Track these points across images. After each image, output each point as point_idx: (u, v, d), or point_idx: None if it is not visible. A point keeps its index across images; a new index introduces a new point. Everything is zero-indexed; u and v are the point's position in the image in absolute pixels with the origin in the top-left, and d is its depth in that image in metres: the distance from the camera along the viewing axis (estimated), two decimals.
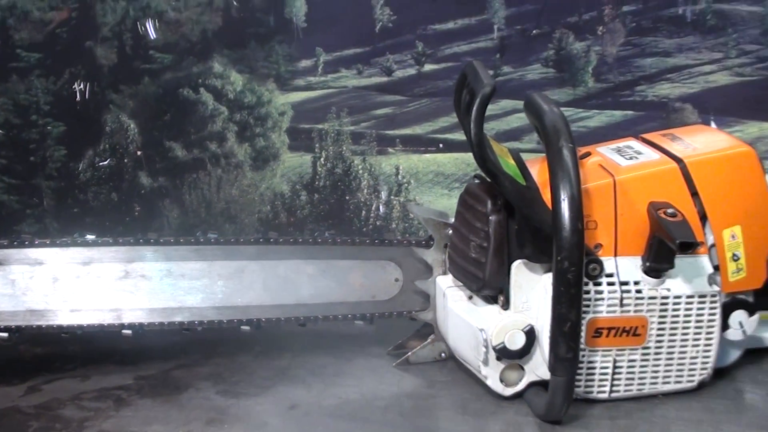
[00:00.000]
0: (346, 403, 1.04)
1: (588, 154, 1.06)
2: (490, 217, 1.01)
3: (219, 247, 1.10)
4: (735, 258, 1.04)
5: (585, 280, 0.96)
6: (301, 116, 1.58)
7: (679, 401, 1.04)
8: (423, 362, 1.14)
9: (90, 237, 1.08)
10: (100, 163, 1.61)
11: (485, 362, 1.02)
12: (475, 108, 0.93)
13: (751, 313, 1.06)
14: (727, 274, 1.04)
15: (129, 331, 1.08)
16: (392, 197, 1.59)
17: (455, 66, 1.51)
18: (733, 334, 1.06)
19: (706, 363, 1.04)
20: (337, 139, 1.58)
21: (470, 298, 1.09)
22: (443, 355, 1.15)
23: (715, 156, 1.06)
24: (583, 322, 0.98)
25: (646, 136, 1.14)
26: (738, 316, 1.06)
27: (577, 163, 0.94)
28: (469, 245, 1.04)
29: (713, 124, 1.45)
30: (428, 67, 1.55)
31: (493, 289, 1.03)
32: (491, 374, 1.02)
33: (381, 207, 1.59)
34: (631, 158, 1.06)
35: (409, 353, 1.14)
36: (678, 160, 1.05)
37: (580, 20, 1.49)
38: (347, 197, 1.59)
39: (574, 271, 0.92)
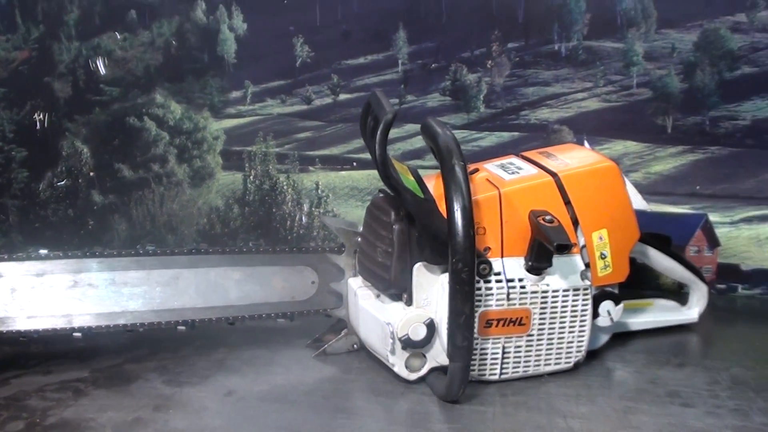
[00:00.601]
0: (275, 388, 1.09)
1: (476, 170, 1.14)
2: (394, 226, 1.07)
3: (156, 258, 1.14)
4: (603, 257, 1.12)
5: (477, 278, 1.02)
6: (233, 140, 1.64)
7: (560, 379, 1.11)
8: (338, 353, 1.20)
9: (42, 251, 1.12)
10: (58, 183, 1.67)
11: (392, 352, 1.07)
12: (379, 132, 0.98)
13: (617, 303, 1.14)
14: (597, 271, 1.12)
15: (79, 334, 1.13)
16: (313, 209, 1.63)
17: (366, 95, 1.49)
18: (603, 321, 1.14)
19: (581, 346, 1.12)
20: (264, 160, 1.62)
21: (378, 296, 1.14)
22: (355, 346, 1.20)
23: (584, 170, 1.14)
24: (476, 314, 1.03)
25: (526, 153, 1.21)
26: (606, 305, 1.14)
27: (468, 179, 1.00)
28: (376, 251, 1.10)
29: (586, 143, 1.48)
30: (343, 96, 1.61)
31: (397, 288, 1.08)
32: (398, 362, 1.08)
33: (303, 218, 1.63)
34: (513, 173, 1.13)
35: (326, 345, 1.20)
36: (553, 174, 1.12)
37: (471, 55, 1.54)
38: (274, 210, 1.63)
39: (467, 271, 0.97)
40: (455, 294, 0.98)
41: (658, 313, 1.32)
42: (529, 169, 1.14)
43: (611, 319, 1.14)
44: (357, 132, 1.55)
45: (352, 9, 1.56)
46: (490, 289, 1.05)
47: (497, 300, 1.05)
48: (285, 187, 1.63)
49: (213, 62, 1.61)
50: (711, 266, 1.53)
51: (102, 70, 1.63)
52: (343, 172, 1.62)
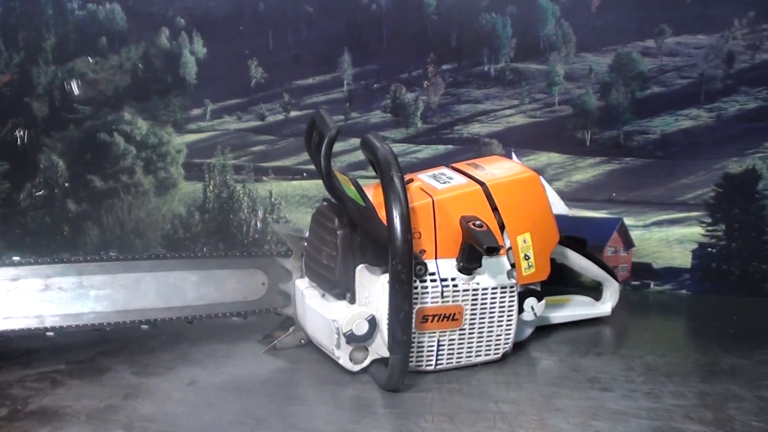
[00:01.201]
0: (234, 378, 1.12)
1: (411, 180, 1.17)
2: (338, 232, 1.10)
3: (120, 263, 1.16)
4: (527, 258, 1.17)
5: (414, 278, 1.05)
6: (194, 153, 1.67)
7: (491, 369, 1.16)
8: (287, 348, 1.22)
9: (16, 258, 1.15)
10: (36, 194, 1.70)
11: (338, 346, 1.11)
12: (324, 146, 1.01)
13: (539, 299, 1.19)
14: (521, 270, 1.17)
15: (51, 333, 1.14)
16: (267, 215, 1.66)
17: (314, 112, 1.59)
18: (527, 315, 1.19)
19: (508, 339, 1.17)
20: (222, 171, 1.66)
21: (323, 296, 1.17)
22: (303, 341, 1.23)
23: (510, 179, 1.19)
24: (414, 311, 1.07)
25: (455, 164, 1.26)
26: (530, 301, 1.19)
27: (405, 188, 1.03)
28: (322, 254, 1.13)
29: (514, 155, 1.55)
30: (293, 113, 1.64)
31: (341, 288, 1.11)
32: (342, 355, 1.11)
33: (258, 223, 1.66)
34: (444, 182, 1.17)
35: (276, 341, 1.22)
36: (481, 183, 1.17)
37: (410, 76, 1.59)
38: (231, 216, 1.67)
39: (406, 272, 1.01)
40: (395, 293, 1.01)
41: (576, 308, 1.39)
42: (459, 179, 1.18)
43: (535, 313, 1.19)
44: None
45: (301, 35, 1.60)
46: (426, 288, 1.09)
47: (432, 298, 1.09)
48: (241, 196, 1.66)
49: (176, 83, 1.64)
50: (626, 265, 1.60)
51: (76, 91, 1.66)
52: (294, 182, 1.65)
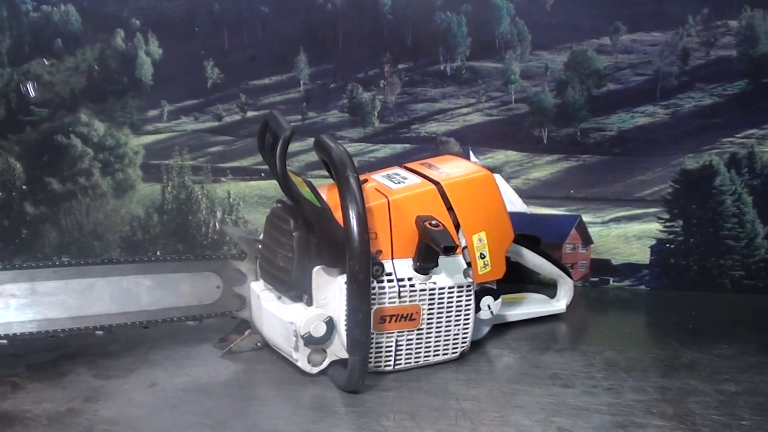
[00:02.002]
0: (194, 379, 1.12)
1: (366, 181, 1.17)
2: (294, 234, 1.09)
3: (73, 268, 1.14)
4: (482, 256, 1.18)
5: (371, 279, 1.04)
6: (151, 154, 1.67)
7: (451, 367, 1.16)
8: (243, 351, 1.21)
9: None
10: None
11: (296, 348, 1.10)
12: (279, 148, 1.01)
13: (495, 298, 1.21)
14: (477, 269, 1.17)
15: (5, 341, 1.12)
16: (226, 216, 1.66)
17: None
18: (484, 314, 1.20)
19: (465, 337, 1.17)
20: (180, 172, 1.66)
21: (279, 298, 1.15)
22: (259, 344, 1.22)
23: (464, 179, 1.19)
24: (372, 311, 1.06)
25: (408, 164, 1.25)
26: (486, 300, 1.20)
27: (361, 189, 1.03)
28: (277, 256, 1.12)
29: (471, 153, 1.59)
30: (250, 113, 1.64)
31: (298, 290, 1.11)
32: (301, 357, 1.11)
33: (217, 224, 1.66)
34: (399, 182, 1.17)
35: (232, 345, 1.21)
36: (436, 183, 1.16)
37: (366, 76, 1.60)
38: (190, 217, 1.67)
39: (363, 272, 1.01)
40: (353, 294, 1.01)
41: (531, 306, 1.39)
42: (413, 179, 1.18)
43: (491, 312, 1.20)
44: None
45: (257, 35, 1.61)
46: (383, 288, 1.09)
47: (390, 298, 1.09)
48: (200, 197, 1.66)
49: (132, 84, 1.64)
50: (585, 261, 1.62)
51: (32, 93, 1.65)
52: (253, 182, 1.65)
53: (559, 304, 1.41)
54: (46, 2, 1.63)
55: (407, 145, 1.63)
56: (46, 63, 1.65)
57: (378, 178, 1.20)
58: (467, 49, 1.58)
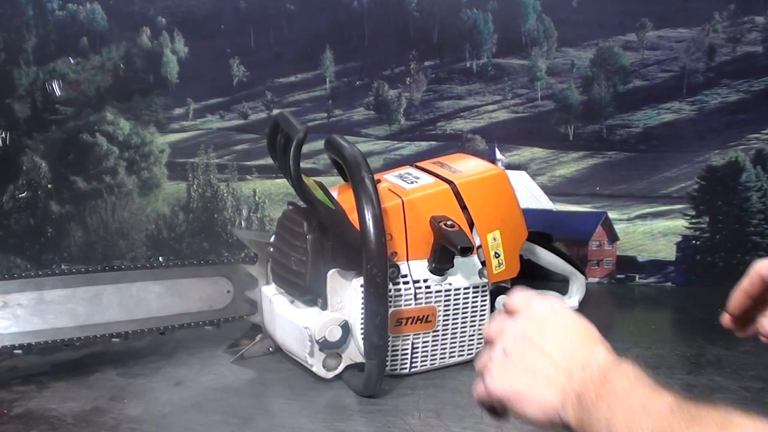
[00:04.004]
0: (220, 378, 1.13)
1: (378, 181, 1.13)
2: (308, 236, 1.07)
3: (80, 276, 1.12)
4: (497, 255, 1.16)
5: (387, 281, 1.03)
6: (177, 153, 1.67)
7: (467, 369, 1.14)
8: (255, 356, 1.20)
9: None
10: (19, 195, 1.69)
11: (311, 353, 1.09)
12: (292, 149, 0.99)
13: None
14: (492, 269, 1.15)
15: (20, 351, 1.10)
16: (251, 214, 1.66)
17: (297, 110, 1.62)
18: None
19: (481, 338, 1.14)
20: (206, 170, 1.66)
21: (292, 302, 1.14)
22: (271, 349, 1.21)
23: (478, 177, 1.18)
24: (389, 314, 1.05)
25: (420, 164, 1.24)
26: (501, 299, 1.17)
27: (377, 189, 1.02)
28: (290, 260, 1.10)
29: (497, 150, 1.59)
30: (276, 111, 1.62)
31: (312, 294, 1.09)
32: (316, 363, 1.09)
33: (243, 222, 1.66)
34: (412, 183, 1.16)
35: (243, 350, 1.20)
36: (450, 182, 1.15)
37: (392, 73, 1.59)
38: (215, 215, 1.67)
39: (381, 275, 1.00)
40: (371, 297, 1.00)
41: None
42: (426, 179, 1.17)
43: None
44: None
45: (283, 33, 1.61)
46: (399, 290, 1.08)
47: (406, 300, 1.08)
48: (225, 195, 1.67)
49: (158, 82, 1.64)
50: (611, 258, 1.61)
51: (57, 91, 1.66)
52: (278, 180, 1.65)
53: (572, 300, 1.39)
54: (71, 1, 1.63)
55: (433, 143, 1.63)
56: (72, 61, 1.65)
57: (390, 178, 1.19)
58: (493, 46, 1.58)
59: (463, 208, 1.15)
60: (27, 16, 1.63)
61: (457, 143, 1.62)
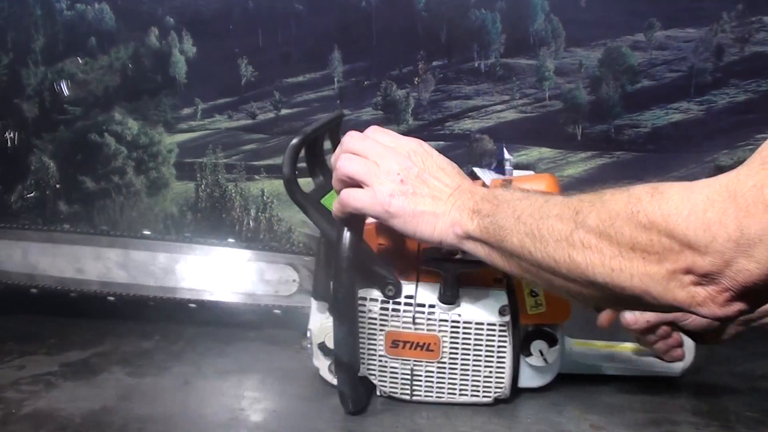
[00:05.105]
0: (229, 377, 1.11)
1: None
2: (321, 239, 1.04)
3: (160, 243, 1.23)
4: (533, 294, 1.01)
5: (383, 298, 0.99)
6: (185, 152, 1.67)
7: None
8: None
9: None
10: (28, 195, 1.69)
11: (315, 356, 1.06)
12: (286, 152, 0.99)
13: (551, 344, 1.02)
14: (526, 308, 1.02)
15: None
16: (259, 214, 1.66)
17: (306, 110, 1.63)
18: (535, 360, 1.03)
19: (501, 382, 1.02)
20: (214, 170, 1.67)
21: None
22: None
23: None
24: (382, 333, 1.00)
25: (492, 180, 1.13)
26: (538, 345, 1.03)
27: None
28: (315, 261, 1.10)
29: (505, 151, 1.58)
30: (284, 111, 1.64)
31: (321, 297, 1.06)
32: (321, 366, 1.07)
33: (251, 222, 1.66)
34: None
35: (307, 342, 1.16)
36: None
37: (400, 73, 1.59)
38: (223, 215, 1.67)
39: (343, 291, 0.93)
40: (333, 311, 0.96)
41: (636, 361, 1.15)
42: None
43: (545, 359, 1.04)
44: None
45: (291, 33, 1.60)
46: (397, 310, 1.00)
47: (404, 322, 1.01)
48: (233, 195, 1.67)
49: (166, 82, 1.64)
50: None
51: (66, 91, 1.66)
52: None
53: (674, 365, 1.13)
54: (80, 1, 1.63)
55: (441, 143, 1.62)
56: (80, 61, 1.66)
57: None
58: (501, 46, 1.59)
59: None
60: (35, 16, 1.64)
61: (465, 143, 1.62)
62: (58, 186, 1.70)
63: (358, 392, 1.00)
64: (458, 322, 1.01)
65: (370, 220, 0.96)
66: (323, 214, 1.00)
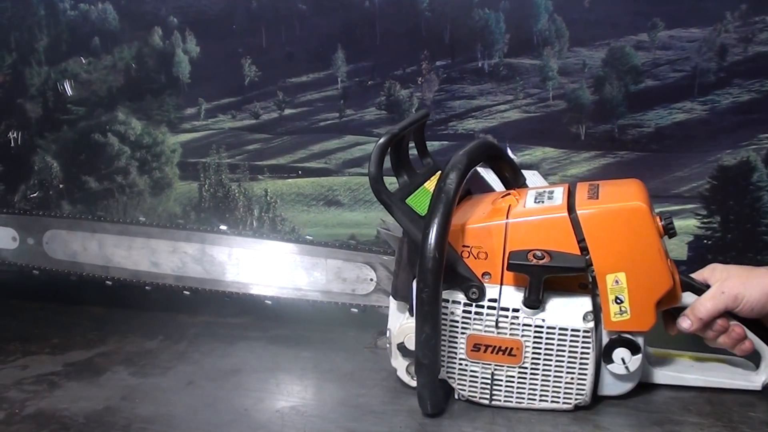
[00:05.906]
0: (232, 377, 1.14)
1: (508, 194, 1.08)
2: (404, 239, 1.06)
3: (240, 237, 1.31)
4: (618, 301, 1.01)
5: (466, 301, 1.00)
6: (189, 153, 1.68)
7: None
8: (381, 349, 1.19)
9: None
10: (31, 195, 1.72)
11: (394, 356, 1.07)
12: (372, 152, 1.01)
13: (634, 353, 1.02)
14: (610, 315, 1.02)
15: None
16: (263, 214, 1.67)
17: (309, 110, 1.63)
18: (617, 368, 1.03)
19: (582, 389, 1.02)
20: (217, 170, 1.67)
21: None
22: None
23: (606, 209, 1.03)
24: (464, 336, 1.01)
25: (580, 183, 1.11)
26: (621, 353, 1.03)
27: (451, 202, 0.97)
28: (395, 261, 1.11)
29: (509, 150, 1.57)
30: (288, 111, 1.64)
31: (401, 297, 1.07)
32: (399, 367, 1.08)
33: (254, 222, 1.66)
34: (539, 203, 1.05)
35: (377, 340, 1.25)
36: (571, 211, 1.02)
37: (404, 73, 1.58)
38: (227, 215, 1.67)
39: (428, 292, 0.95)
40: (417, 312, 0.97)
41: (718, 373, 1.13)
42: (556, 201, 1.06)
43: (626, 368, 1.03)
44: (301, 143, 1.63)
45: (294, 33, 1.60)
46: (480, 314, 1.01)
47: (486, 326, 1.02)
48: (237, 195, 1.67)
49: (169, 82, 1.64)
50: None
51: (69, 91, 1.67)
52: (290, 180, 1.66)
53: (755, 378, 1.12)
54: (83, 1, 1.64)
55: (444, 142, 1.61)
56: (84, 61, 1.66)
57: (528, 194, 1.10)
58: (505, 46, 1.57)
59: (581, 241, 1.02)
60: (39, 16, 1.65)
61: (469, 143, 1.61)
62: (61, 186, 1.71)
63: (437, 395, 1.01)
64: (542, 327, 1.01)
65: (453, 222, 0.98)
66: (407, 214, 1.01)
